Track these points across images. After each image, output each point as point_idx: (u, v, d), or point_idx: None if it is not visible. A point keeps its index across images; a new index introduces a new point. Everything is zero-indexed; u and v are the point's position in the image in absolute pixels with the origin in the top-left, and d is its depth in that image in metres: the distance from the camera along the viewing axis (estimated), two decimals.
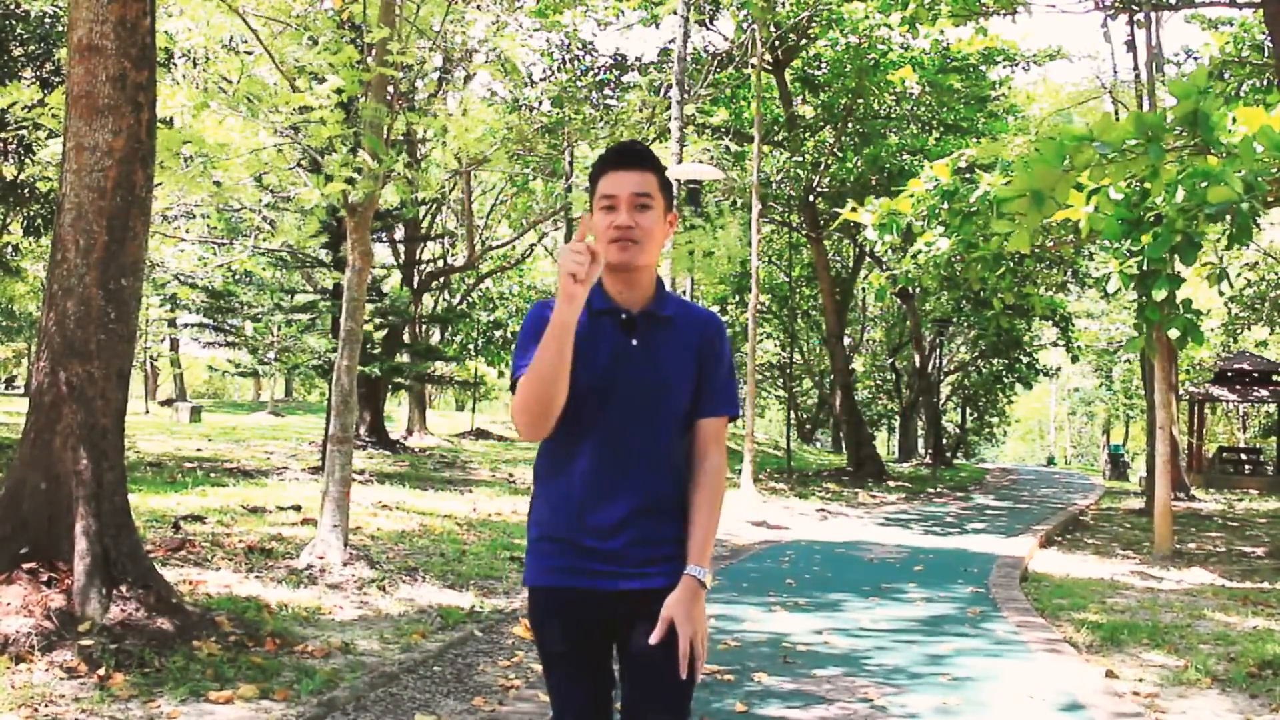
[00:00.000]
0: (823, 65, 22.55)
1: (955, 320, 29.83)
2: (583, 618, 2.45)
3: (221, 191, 9.80)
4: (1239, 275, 24.43)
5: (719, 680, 5.52)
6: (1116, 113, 23.60)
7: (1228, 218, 7.49)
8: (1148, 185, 7.84)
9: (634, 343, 2.46)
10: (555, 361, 2.32)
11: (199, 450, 18.28)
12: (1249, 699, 5.56)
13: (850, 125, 22.63)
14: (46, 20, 13.48)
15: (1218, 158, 7.39)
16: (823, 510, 16.85)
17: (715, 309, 31.18)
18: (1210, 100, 7.18)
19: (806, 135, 23.28)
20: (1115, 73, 29.38)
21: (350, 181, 7.62)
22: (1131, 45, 19.69)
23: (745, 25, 20.61)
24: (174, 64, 10.36)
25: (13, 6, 13.48)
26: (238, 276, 24.13)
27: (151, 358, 39.97)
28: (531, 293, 34.13)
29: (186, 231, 22.25)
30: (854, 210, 11.50)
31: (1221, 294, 23.99)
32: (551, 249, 33.79)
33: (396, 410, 31.63)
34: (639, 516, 2.43)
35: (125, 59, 5.47)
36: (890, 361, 38.40)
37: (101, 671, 4.67)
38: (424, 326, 26.11)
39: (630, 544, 2.42)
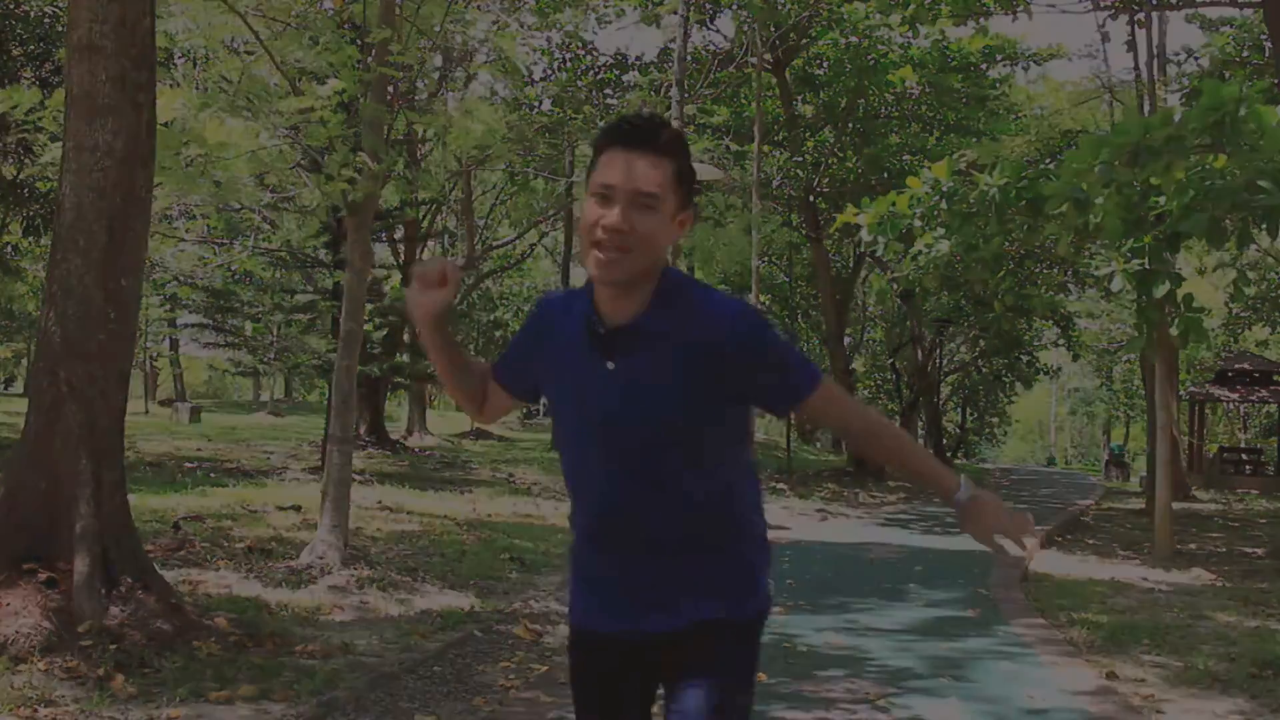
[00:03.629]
0: (823, 65, 22.56)
1: (956, 320, 29.82)
2: (599, 665, 2.14)
3: (221, 191, 9.80)
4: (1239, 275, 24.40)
5: None
6: (1112, 113, 23.61)
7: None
8: (1154, 182, 7.85)
9: (610, 365, 1.96)
10: (438, 360, 2.18)
11: (199, 450, 18.25)
12: (1249, 699, 5.55)
13: (850, 125, 22.63)
14: (46, 20, 13.49)
15: (1229, 156, 7.43)
16: (823, 510, 16.83)
17: None
18: (1254, 113, 7.24)
19: (806, 135, 23.27)
20: (1107, 68, 29.39)
21: (350, 181, 7.62)
22: (1132, 45, 19.66)
23: (745, 25, 20.60)
24: (174, 64, 10.36)
25: (13, 6, 13.48)
26: (238, 276, 24.12)
27: (151, 358, 39.93)
28: (532, 292, 34.13)
29: (186, 231, 22.21)
30: (854, 214, 11.48)
31: (1238, 298, 24.04)
32: (552, 249, 33.80)
33: (396, 410, 31.63)
34: (644, 567, 2.05)
35: (125, 59, 5.46)
36: (890, 361, 38.37)
37: (101, 672, 4.66)
38: None
39: (638, 589, 2.06)
